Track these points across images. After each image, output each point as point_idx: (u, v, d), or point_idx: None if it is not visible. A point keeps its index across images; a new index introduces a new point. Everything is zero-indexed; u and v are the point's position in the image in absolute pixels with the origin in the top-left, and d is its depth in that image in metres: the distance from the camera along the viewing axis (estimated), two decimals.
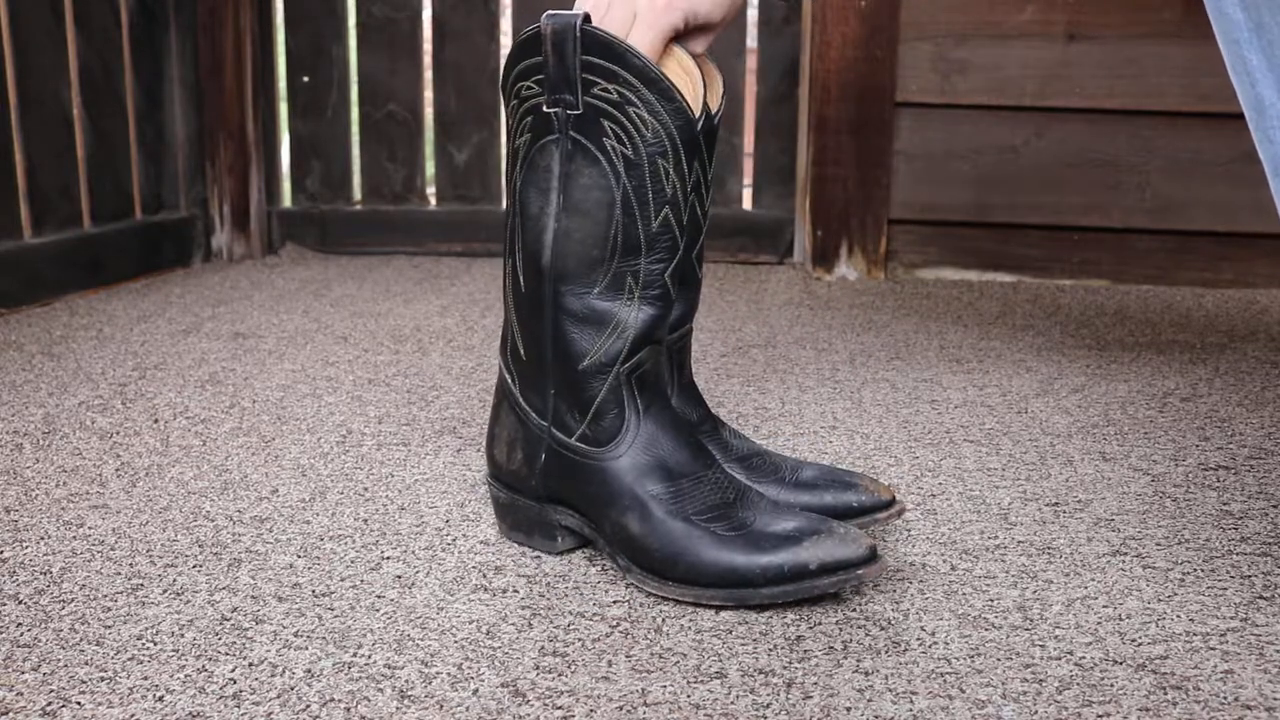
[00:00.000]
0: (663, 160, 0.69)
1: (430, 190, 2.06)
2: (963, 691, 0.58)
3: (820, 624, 0.65)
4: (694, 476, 0.71)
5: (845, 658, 0.62)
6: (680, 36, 0.72)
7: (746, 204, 2.02)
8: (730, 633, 0.64)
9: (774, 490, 0.76)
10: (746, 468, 0.78)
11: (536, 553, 0.75)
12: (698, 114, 0.70)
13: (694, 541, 0.68)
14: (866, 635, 0.64)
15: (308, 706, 0.56)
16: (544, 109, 0.71)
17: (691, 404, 0.80)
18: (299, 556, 0.74)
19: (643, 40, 0.69)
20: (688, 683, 0.59)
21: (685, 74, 0.71)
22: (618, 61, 0.68)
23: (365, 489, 0.86)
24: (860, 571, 0.65)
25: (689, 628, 0.65)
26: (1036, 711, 0.56)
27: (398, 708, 0.56)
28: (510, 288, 0.75)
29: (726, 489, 0.71)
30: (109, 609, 0.67)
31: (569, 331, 0.72)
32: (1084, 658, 0.62)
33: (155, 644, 0.62)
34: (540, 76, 0.71)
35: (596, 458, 0.72)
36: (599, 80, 0.69)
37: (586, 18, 0.69)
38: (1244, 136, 1.73)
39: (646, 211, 0.70)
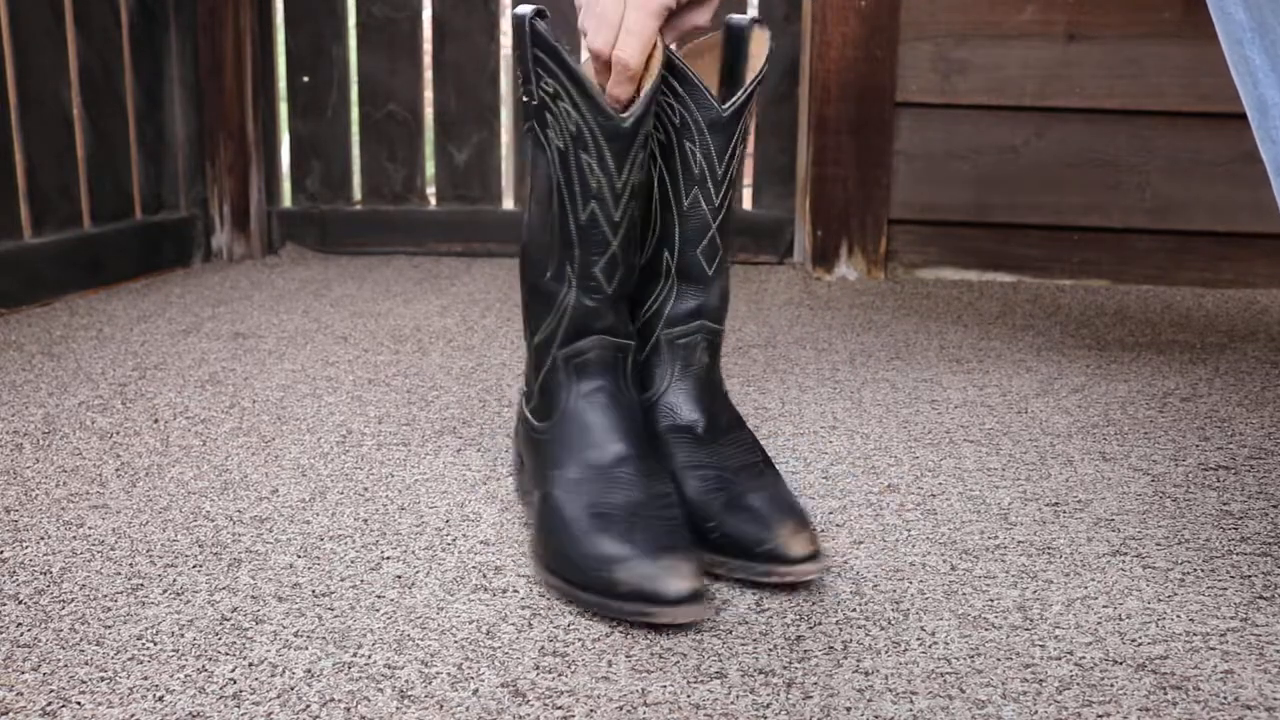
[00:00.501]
0: (585, 155, 0.71)
1: (430, 190, 2.06)
2: (963, 691, 0.58)
3: (820, 624, 0.65)
4: (608, 472, 0.72)
5: (845, 658, 0.62)
6: (677, 12, 0.73)
7: (746, 204, 2.02)
8: (730, 633, 0.64)
9: (714, 504, 0.74)
10: (700, 480, 0.75)
11: None
12: (630, 112, 0.70)
13: (565, 531, 0.70)
14: (866, 635, 0.64)
15: (308, 706, 0.56)
16: (523, 99, 0.75)
17: (692, 405, 0.79)
18: (299, 556, 0.74)
19: (635, 23, 0.70)
20: (688, 683, 0.59)
21: (655, 65, 0.72)
22: (551, 56, 0.70)
23: (365, 489, 0.86)
24: (657, 610, 0.63)
25: (689, 628, 0.65)
26: (1036, 711, 0.56)
27: (398, 708, 0.56)
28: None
29: (634, 490, 0.70)
30: (109, 609, 0.67)
31: (532, 306, 0.77)
32: (1084, 658, 0.62)
33: (155, 644, 0.62)
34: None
35: (536, 432, 0.77)
36: (543, 74, 0.71)
37: (539, 12, 0.71)
38: (1244, 136, 1.73)
39: (575, 204, 0.73)
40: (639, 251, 0.78)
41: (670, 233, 0.78)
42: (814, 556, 0.69)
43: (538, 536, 0.72)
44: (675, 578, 0.64)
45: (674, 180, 0.77)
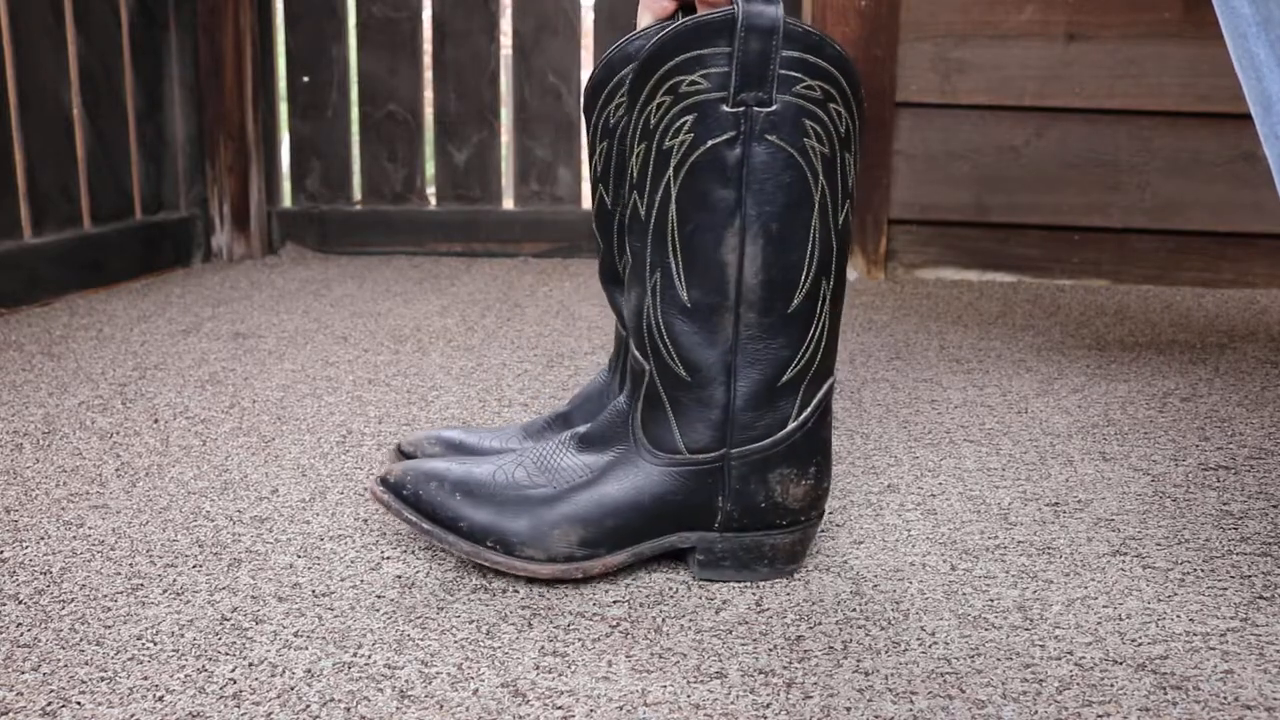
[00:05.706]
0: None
1: (430, 190, 2.06)
2: (963, 691, 0.58)
3: (820, 624, 0.65)
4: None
5: (845, 658, 0.62)
6: None
7: None
8: (730, 633, 0.64)
9: None
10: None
11: None
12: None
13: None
14: (866, 635, 0.64)
15: (308, 706, 0.56)
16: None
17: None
18: (299, 556, 0.74)
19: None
20: (688, 683, 0.59)
21: None
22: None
23: (365, 489, 0.86)
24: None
25: (689, 628, 0.65)
26: (1036, 711, 0.56)
27: (398, 708, 0.56)
28: None
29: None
30: (109, 609, 0.67)
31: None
32: (1084, 658, 0.62)
33: (155, 644, 0.62)
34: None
35: None
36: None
37: None
38: (1244, 136, 1.73)
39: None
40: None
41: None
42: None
43: None
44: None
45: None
